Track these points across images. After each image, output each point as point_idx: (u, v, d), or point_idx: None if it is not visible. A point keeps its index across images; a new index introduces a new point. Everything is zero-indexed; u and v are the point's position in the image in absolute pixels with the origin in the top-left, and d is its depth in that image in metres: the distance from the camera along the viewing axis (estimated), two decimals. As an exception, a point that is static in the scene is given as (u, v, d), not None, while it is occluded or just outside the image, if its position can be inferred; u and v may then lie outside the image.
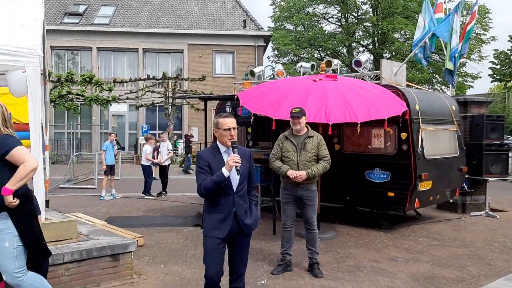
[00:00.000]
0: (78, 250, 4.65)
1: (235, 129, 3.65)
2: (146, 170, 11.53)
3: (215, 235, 3.61)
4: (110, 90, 20.29)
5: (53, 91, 19.72)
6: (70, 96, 20.93)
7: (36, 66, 4.75)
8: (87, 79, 20.11)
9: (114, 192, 11.25)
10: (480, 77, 30.68)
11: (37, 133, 4.90)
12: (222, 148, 3.68)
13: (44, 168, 5.80)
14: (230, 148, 3.61)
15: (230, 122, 3.63)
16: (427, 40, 9.26)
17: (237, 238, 3.70)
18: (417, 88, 10.39)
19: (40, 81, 4.98)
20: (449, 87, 12.11)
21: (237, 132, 3.71)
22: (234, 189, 3.64)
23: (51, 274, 4.29)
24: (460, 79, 29.76)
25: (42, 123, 5.37)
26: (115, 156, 11.85)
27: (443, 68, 9.14)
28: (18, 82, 5.04)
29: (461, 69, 29.07)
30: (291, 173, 5.21)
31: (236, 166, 3.51)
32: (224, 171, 3.50)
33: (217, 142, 3.71)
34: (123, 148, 24.64)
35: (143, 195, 11.30)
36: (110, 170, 11.27)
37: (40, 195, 4.80)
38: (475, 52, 30.27)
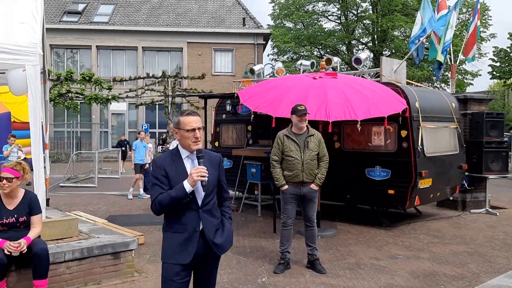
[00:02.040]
0: (79, 248, 4.66)
1: (200, 130, 2.90)
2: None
3: (177, 261, 2.85)
4: (109, 88, 20.27)
5: (52, 89, 19.69)
6: (70, 94, 20.90)
7: (36, 65, 4.76)
8: (87, 78, 20.08)
9: (142, 192, 10.91)
10: (480, 75, 30.71)
11: (37, 131, 4.90)
12: (184, 153, 2.93)
13: (44, 167, 5.80)
14: (194, 153, 2.90)
15: (194, 120, 2.88)
16: (423, 40, 9.30)
17: (205, 260, 2.97)
18: (417, 85, 10.39)
19: (40, 79, 4.99)
20: (449, 85, 12.12)
21: (201, 132, 2.98)
22: (199, 203, 2.89)
23: (52, 272, 4.30)
24: (460, 77, 29.74)
25: (42, 121, 5.38)
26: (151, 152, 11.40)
27: (434, 59, 9.18)
28: (18, 81, 5.04)
29: (460, 66, 29.05)
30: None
31: (202, 181, 2.80)
32: (187, 185, 2.77)
33: (178, 145, 2.99)
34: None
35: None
36: (140, 169, 10.99)
37: (40, 193, 4.81)
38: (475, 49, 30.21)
